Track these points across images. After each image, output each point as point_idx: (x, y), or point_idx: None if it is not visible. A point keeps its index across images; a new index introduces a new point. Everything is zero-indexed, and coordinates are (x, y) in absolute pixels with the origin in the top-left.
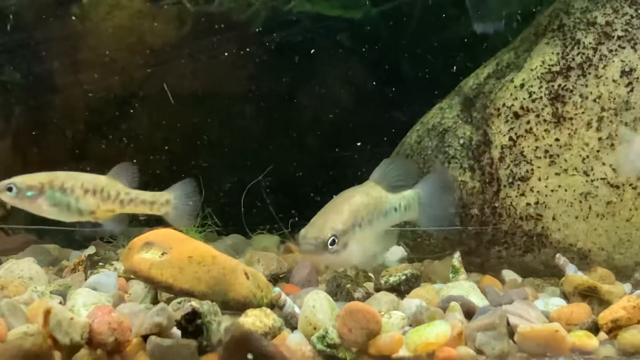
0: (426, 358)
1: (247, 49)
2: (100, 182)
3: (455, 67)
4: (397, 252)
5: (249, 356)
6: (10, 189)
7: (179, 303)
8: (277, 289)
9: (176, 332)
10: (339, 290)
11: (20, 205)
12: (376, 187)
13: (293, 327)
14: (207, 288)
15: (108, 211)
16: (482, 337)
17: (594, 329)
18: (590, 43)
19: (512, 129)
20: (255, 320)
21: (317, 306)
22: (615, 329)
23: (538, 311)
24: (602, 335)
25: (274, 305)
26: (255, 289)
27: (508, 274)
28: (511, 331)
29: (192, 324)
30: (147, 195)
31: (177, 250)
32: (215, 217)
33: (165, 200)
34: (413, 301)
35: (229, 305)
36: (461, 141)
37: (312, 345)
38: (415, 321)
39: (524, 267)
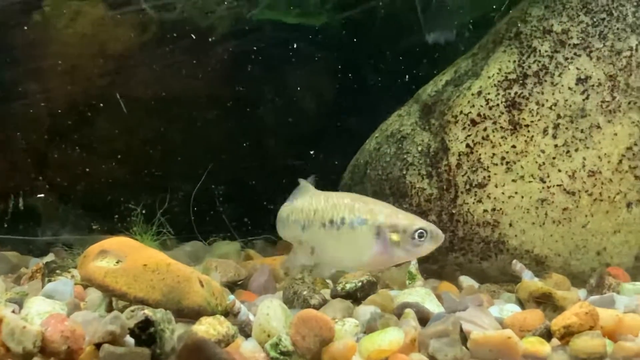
0: None
1: (208, 56)
2: None
3: (416, 74)
4: None
5: None
6: None
7: (133, 311)
8: (231, 297)
9: (129, 340)
10: (296, 297)
11: None
12: None
13: (247, 335)
14: (162, 296)
15: None
16: (435, 343)
17: (547, 335)
18: (546, 51)
19: (469, 136)
20: (208, 328)
21: (271, 314)
22: (567, 335)
23: (491, 317)
24: (555, 341)
25: (229, 313)
26: (209, 296)
27: (465, 280)
28: (464, 338)
29: (145, 332)
30: None
31: (132, 258)
32: (170, 225)
33: None
34: (367, 308)
35: (183, 313)
36: (419, 148)
37: (265, 352)
38: (369, 328)
39: (481, 273)
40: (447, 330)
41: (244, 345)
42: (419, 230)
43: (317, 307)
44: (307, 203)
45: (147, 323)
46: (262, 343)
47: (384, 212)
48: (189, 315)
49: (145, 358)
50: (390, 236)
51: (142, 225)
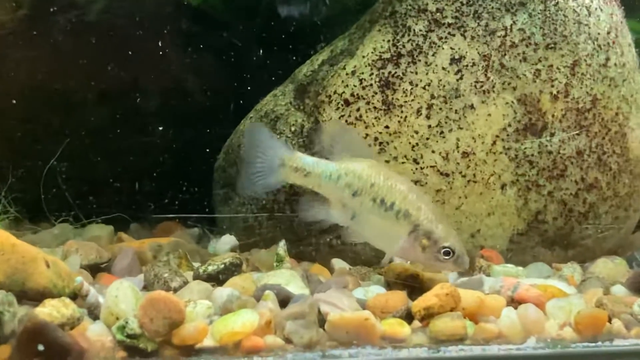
0: (232, 348)
1: (72, 32)
2: None
3: (300, 53)
4: (229, 240)
5: (40, 347)
6: None
7: None
8: (79, 279)
9: None
10: (157, 280)
11: None
12: None
13: (97, 318)
14: (5, 277)
15: None
16: (291, 325)
17: (408, 316)
18: (420, 30)
19: (342, 116)
20: (52, 310)
21: (120, 296)
22: (427, 316)
23: (353, 299)
24: (416, 323)
25: (77, 296)
26: (56, 278)
27: (337, 263)
28: (322, 320)
29: None
30: None
31: None
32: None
33: None
34: (225, 290)
35: (28, 295)
36: (292, 128)
37: (112, 335)
38: (225, 310)
39: (355, 255)
40: (304, 312)
41: (91, 328)
42: (446, 249)
43: (178, 290)
44: (366, 173)
45: None
46: (110, 326)
47: (428, 216)
48: (34, 297)
49: None
50: (421, 239)
51: None
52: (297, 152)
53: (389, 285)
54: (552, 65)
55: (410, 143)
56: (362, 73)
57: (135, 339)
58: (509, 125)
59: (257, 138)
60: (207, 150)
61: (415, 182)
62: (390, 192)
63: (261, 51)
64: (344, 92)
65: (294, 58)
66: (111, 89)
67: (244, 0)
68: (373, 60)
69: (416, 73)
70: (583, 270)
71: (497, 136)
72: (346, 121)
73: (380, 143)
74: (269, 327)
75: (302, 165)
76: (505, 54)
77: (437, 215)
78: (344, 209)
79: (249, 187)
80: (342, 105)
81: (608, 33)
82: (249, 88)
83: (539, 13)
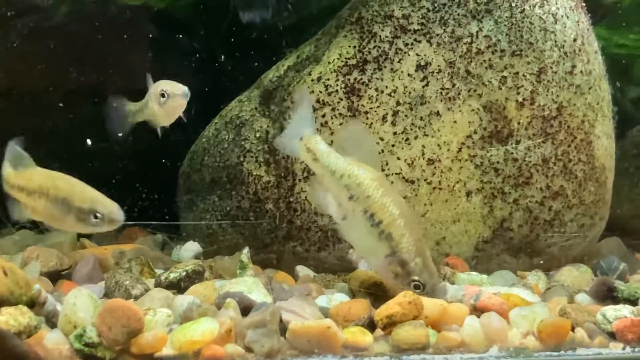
0: (192, 356)
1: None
2: None
3: (267, 59)
4: (192, 247)
5: None
6: None
7: None
8: (36, 286)
9: None
10: (117, 287)
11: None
12: None
13: (55, 326)
14: None
15: None
16: (252, 334)
17: (371, 325)
18: (386, 36)
19: None
20: (9, 318)
21: (78, 304)
22: (390, 325)
23: (315, 307)
24: (379, 331)
25: (35, 303)
26: (13, 286)
27: (302, 270)
28: (284, 328)
29: None
30: None
31: None
32: None
33: None
34: (186, 298)
35: None
36: (257, 134)
37: (70, 344)
38: (185, 319)
39: (319, 262)
40: (265, 321)
41: (49, 336)
42: (416, 283)
43: (139, 297)
44: (367, 182)
45: None
46: (67, 334)
47: (409, 246)
48: None
49: None
50: (395, 266)
51: None
52: (317, 135)
53: (353, 293)
54: (518, 73)
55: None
56: (328, 79)
57: (93, 347)
58: (475, 132)
59: (300, 104)
60: (172, 155)
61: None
62: (381, 210)
63: (227, 56)
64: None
65: (260, 64)
66: (73, 93)
67: (211, 4)
68: (339, 67)
69: (382, 79)
70: (548, 278)
71: (462, 143)
72: None
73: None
74: (230, 335)
75: (315, 148)
76: (471, 61)
77: (420, 246)
78: (339, 207)
79: (280, 142)
80: None
81: (574, 40)
82: (214, 93)
83: (505, 20)
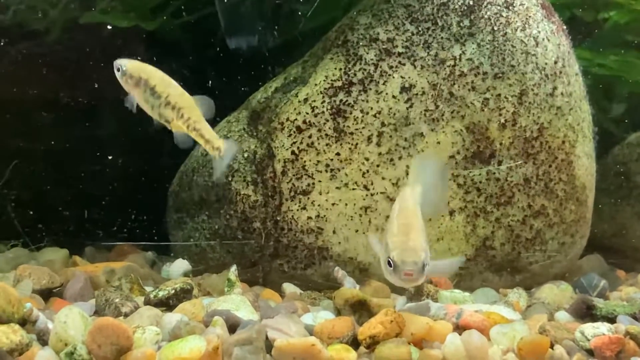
0: None
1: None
2: (181, 100)
3: (256, 80)
4: (181, 265)
5: None
6: (118, 70)
7: None
8: (28, 304)
9: None
10: (107, 305)
11: (124, 86)
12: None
13: (46, 344)
14: None
15: (179, 127)
16: (238, 351)
17: (355, 342)
18: (372, 59)
19: (294, 142)
20: (1, 336)
21: (68, 322)
22: (373, 343)
23: (300, 325)
24: (363, 349)
25: (26, 321)
26: (5, 304)
27: (288, 288)
28: (270, 345)
29: None
30: (207, 132)
31: None
32: None
33: (217, 147)
34: (174, 316)
35: None
36: (245, 154)
37: None
38: (174, 336)
39: (305, 280)
40: (251, 338)
41: (40, 354)
42: (389, 259)
43: (129, 315)
44: (398, 200)
45: None
46: (58, 352)
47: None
48: None
49: None
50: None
51: None
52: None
53: (338, 311)
54: (500, 95)
55: (360, 170)
56: (314, 101)
57: None
58: (458, 152)
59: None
60: (162, 175)
61: (366, 209)
62: (390, 227)
63: (217, 76)
64: (296, 119)
65: (248, 85)
66: (66, 115)
67: (201, 26)
68: (325, 88)
69: (367, 101)
70: (529, 295)
71: (446, 164)
72: (298, 148)
73: (332, 170)
74: (217, 353)
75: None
76: (454, 83)
77: (405, 230)
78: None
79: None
80: (294, 132)
81: (555, 63)
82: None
83: (487, 43)
